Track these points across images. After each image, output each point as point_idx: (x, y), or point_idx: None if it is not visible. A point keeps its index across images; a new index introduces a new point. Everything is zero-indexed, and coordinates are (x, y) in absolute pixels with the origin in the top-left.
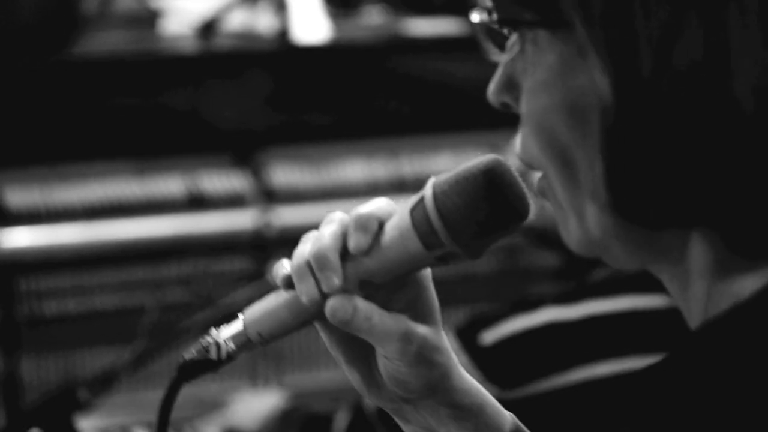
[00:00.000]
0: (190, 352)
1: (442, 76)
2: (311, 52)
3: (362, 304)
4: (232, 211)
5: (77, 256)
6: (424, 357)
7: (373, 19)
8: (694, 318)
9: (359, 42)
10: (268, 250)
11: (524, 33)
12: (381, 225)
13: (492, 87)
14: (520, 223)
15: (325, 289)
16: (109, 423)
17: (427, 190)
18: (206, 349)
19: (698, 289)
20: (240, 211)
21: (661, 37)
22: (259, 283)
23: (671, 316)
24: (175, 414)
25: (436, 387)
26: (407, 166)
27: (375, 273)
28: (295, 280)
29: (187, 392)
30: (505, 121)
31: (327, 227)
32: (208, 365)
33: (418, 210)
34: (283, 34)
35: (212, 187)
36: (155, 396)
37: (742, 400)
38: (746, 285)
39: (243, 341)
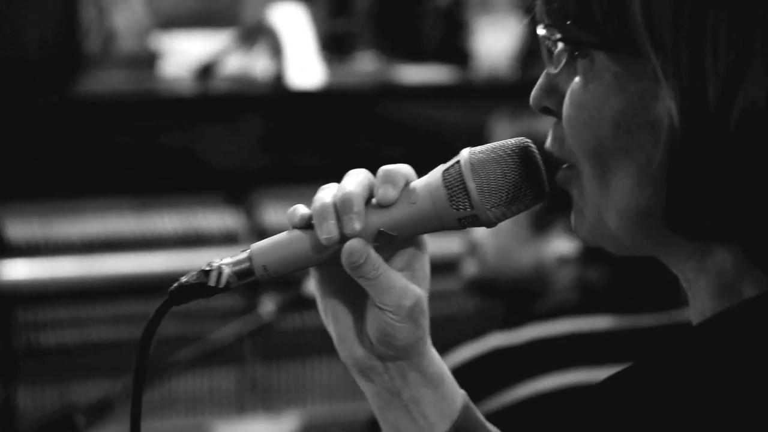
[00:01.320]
0: (189, 275)
1: (431, 121)
2: (305, 97)
3: (373, 253)
4: (226, 247)
5: (75, 288)
6: (415, 315)
7: (365, 66)
8: (698, 312)
9: (352, 87)
10: (259, 287)
11: (576, 51)
12: (407, 183)
13: (535, 92)
14: (542, 199)
15: (346, 230)
16: None
17: (463, 156)
18: (206, 274)
19: (709, 289)
20: (233, 248)
21: (727, 78)
22: (249, 317)
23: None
24: None
25: (413, 348)
26: None
27: (394, 226)
28: (315, 220)
29: (176, 423)
30: None
31: (351, 177)
32: (203, 291)
33: (451, 171)
34: (278, 79)
35: (207, 224)
36: (149, 427)
37: (738, 393)
38: (754, 292)
39: (246, 272)
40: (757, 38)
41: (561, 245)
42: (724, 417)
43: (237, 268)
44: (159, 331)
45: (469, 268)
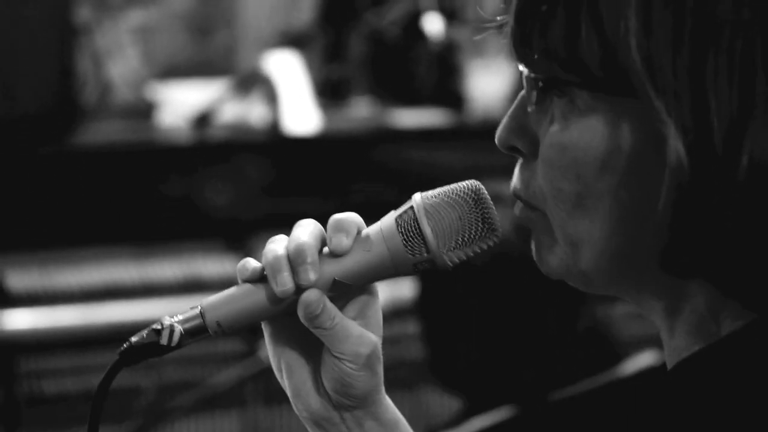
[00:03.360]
0: (139, 335)
1: (427, 164)
2: (301, 143)
3: (329, 303)
4: None
5: (75, 337)
6: (371, 363)
7: (361, 111)
8: (672, 353)
9: (348, 133)
10: (258, 332)
11: (555, 89)
12: (359, 231)
13: (503, 131)
14: (495, 241)
15: (301, 281)
16: None
17: (416, 200)
18: (157, 333)
19: (683, 327)
20: None
21: (732, 120)
22: (249, 361)
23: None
24: None
25: (370, 396)
26: None
27: (349, 275)
28: (269, 272)
29: None
30: None
31: (303, 228)
32: (155, 350)
33: (404, 217)
34: (274, 126)
35: (207, 271)
36: None
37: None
38: (731, 326)
39: (198, 328)
40: (759, 81)
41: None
42: None
43: (189, 325)
44: (160, 377)
45: None
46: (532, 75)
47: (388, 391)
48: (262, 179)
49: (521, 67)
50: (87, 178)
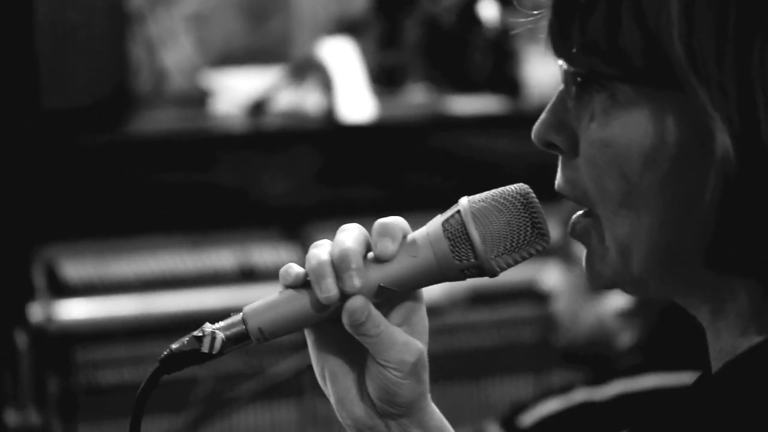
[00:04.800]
0: (180, 342)
1: (483, 152)
2: (357, 130)
3: (374, 310)
4: None
5: (132, 327)
6: (417, 371)
7: (416, 98)
8: (717, 356)
9: (403, 120)
10: None
11: (595, 84)
12: (404, 236)
13: (540, 127)
14: (546, 245)
15: (346, 288)
16: None
17: (463, 205)
18: (198, 340)
19: (729, 329)
20: None
21: None
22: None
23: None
24: None
25: (416, 404)
26: None
27: (395, 281)
28: (313, 279)
29: None
30: (545, 195)
31: (347, 233)
32: (196, 357)
33: (452, 222)
34: (329, 113)
35: (262, 260)
36: None
37: None
38: None
39: (240, 335)
40: None
41: (615, 300)
42: None
43: (231, 332)
44: (218, 368)
45: (556, 340)
46: (572, 69)
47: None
48: (318, 167)
49: (560, 62)
50: (142, 166)
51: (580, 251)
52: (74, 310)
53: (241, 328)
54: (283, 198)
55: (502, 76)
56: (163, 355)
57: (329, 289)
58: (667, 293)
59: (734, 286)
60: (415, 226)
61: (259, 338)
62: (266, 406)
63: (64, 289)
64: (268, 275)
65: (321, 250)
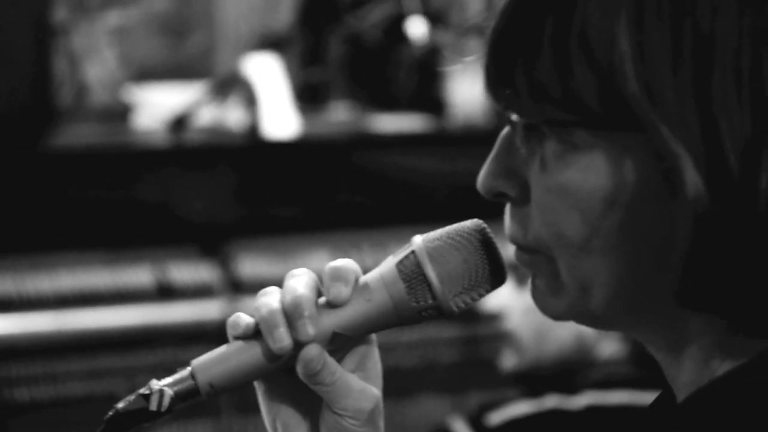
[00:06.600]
0: (126, 401)
1: (405, 170)
2: (279, 147)
3: (329, 358)
4: (200, 301)
5: (48, 343)
6: (374, 418)
7: (340, 115)
8: (681, 388)
9: (327, 137)
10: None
11: (546, 129)
12: (356, 279)
13: (487, 176)
14: (502, 281)
15: (300, 337)
16: None
17: (418, 245)
18: (146, 398)
19: (690, 361)
20: (208, 301)
21: (746, 146)
22: None
23: None
24: None
25: None
26: (369, 258)
27: (350, 326)
28: (264, 329)
29: None
30: (475, 215)
31: (297, 279)
32: (144, 416)
33: (406, 263)
34: (252, 129)
35: (180, 277)
36: None
37: None
38: (737, 361)
39: (190, 391)
40: None
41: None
42: None
43: (179, 387)
44: (137, 386)
45: (508, 361)
46: (520, 118)
47: (384, 399)
48: (239, 184)
49: (501, 109)
50: (62, 181)
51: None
52: None
53: (190, 383)
54: (204, 214)
55: (427, 94)
56: (108, 415)
57: (282, 338)
58: (627, 329)
59: (697, 320)
60: (338, 246)
61: (209, 393)
62: (181, 426)
63: None
64: (187, 293)
65: (271, 298)
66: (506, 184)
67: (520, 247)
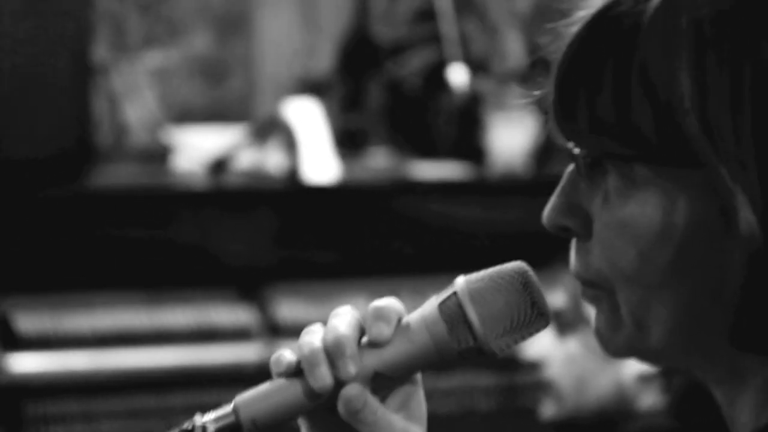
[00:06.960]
0: None
1: (444, 218)
2: (319, 192)
3: (371, 397)
4: (238, 343)
5: (85, 382)
6: None
7: (379, 162)
8: (740, 429)
9: (365, 183)
10: None
11: (608, 164)
12: (399, 319)
13: (552, 211)
14: (546, 323)
15: (341, 376)
16: None
17: (460, 286)
18: None
19: (749, 401)
20: (246, 344)
21: None
22: None
23: None
24: None
25: None
26: (408, 305)
27: (391, 366)
28: (305, 366)
29: None
30: (504, 261)
31: (340, 318)
32: None
33: (448, 304)
34: (292, 174)
35: (219, 319)
36: None
37: None
38: None
39: (232, 427)
40: None
41: (635, 364)
42: None
43: (222, 423)
44: (171, 423)
45: (547, 410)
46: (583, 152)
47: None
48: (278, 228)
49: (568, 144)
50: (101, 220)
51: (575, 317)
52: (26, 363)
53: (232, 419)
54: (243, 258)
55: (467, 142)
56: None
57: (323, 377)
58: (687, 366)
59: (754, 360)
60: (376, 292)
61: (251, 429)
62: None
63: (17, 342)
64: (225, 335)
65: (313, 336)
66: (570, 219)
67: (584, 282)
